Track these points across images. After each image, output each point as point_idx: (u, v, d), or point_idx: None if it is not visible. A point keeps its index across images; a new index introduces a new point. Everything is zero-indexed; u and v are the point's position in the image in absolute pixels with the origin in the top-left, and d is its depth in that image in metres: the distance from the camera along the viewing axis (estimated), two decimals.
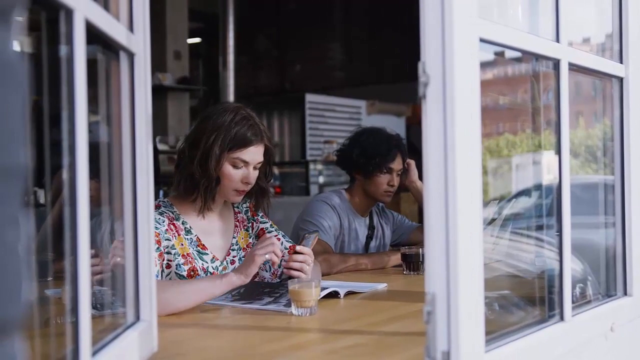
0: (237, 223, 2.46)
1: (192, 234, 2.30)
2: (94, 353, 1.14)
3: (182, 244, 2.26)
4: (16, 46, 0.59)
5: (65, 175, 1.05)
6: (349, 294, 2.26)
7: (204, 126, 2.27)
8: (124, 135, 1.40)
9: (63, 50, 1.06)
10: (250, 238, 2.48)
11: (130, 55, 1.40)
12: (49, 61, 1.07)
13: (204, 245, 2.32)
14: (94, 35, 1.16)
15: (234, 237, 2.43)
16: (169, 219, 2.25)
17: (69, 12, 1.03)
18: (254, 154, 2.29)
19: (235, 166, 2.27)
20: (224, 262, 2.36)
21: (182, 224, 2.30)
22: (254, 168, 2.31)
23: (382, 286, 2.43)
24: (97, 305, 1.42)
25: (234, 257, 2.40)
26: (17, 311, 0.59)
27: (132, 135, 1.41)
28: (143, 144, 1.42)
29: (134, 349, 1.35)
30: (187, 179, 2.28)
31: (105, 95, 1.39)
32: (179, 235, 2.27)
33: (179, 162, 2.32)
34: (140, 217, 1.43)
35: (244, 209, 2.51)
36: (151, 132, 1.46)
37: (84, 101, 1.06)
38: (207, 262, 2.30)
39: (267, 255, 2.05)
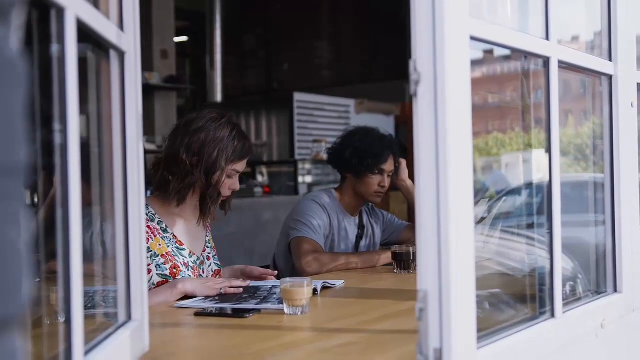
0: (207, 224, 2.58)
1: (168, 232, 2.38)
2: (86, 352, 1.13)
3: (159, 244, 2.33)
4: (15, 44, 0.59)
5: (56, 175, 1.05)
6: (324, 288, 2.33)
7: (201, 137, 2.34)
8: (114, 135, 1.39)
9: (54, 48, 1.05)
10: (213, 242, 2.62)
11: (121, 54, 1.39)
12: (39, 60, 1.06)
13: (180, 241, 2.41)
14: (84, 34, 1.15)
15: (207, 236, 2.56)
16: None
17: (60, 11, 1.03)
18: (245, 164, 2.46)
19: (229, 176, 2.40)
20: (201, 257, 2.47)
21: (158, 224, 2.38)
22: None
23: (339, 283, 2.47)
24: (87, 304, 1.41)
25: (208, 253, 2.53)
26: (19, 308, 0.59)
27: (123, 134, 1.40)
28: (134, 143, 1.42)
29: (125, 348, 1.34)
30: (188, 187, 2.36)
31: (95, 95, 1.38)
32: (155, 236, 2.34)
33: (174, 169, 2.35)
34: (131, 217, 1.42)
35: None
36: (142, 132, 1.45)
37: (76, 100, 1.06)
38: (186, 258, 2.39)
39: (222, 290, 2.20)
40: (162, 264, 2.31)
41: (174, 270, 2.32)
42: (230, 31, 9.42)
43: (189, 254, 2.41)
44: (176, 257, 2.35)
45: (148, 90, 7.55)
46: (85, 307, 1.15)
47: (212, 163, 2.34)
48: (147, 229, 2.29)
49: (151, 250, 2.29)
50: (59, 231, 1.05)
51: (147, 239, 2.28)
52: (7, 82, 0.56)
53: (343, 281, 2.48)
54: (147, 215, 2.33)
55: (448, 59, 1.20)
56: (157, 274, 2.29)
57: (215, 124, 2.37)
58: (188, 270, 2.36)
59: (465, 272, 1.25)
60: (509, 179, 2.17)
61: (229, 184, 2.41)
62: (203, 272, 2.45)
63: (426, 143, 1.22)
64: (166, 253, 2.33)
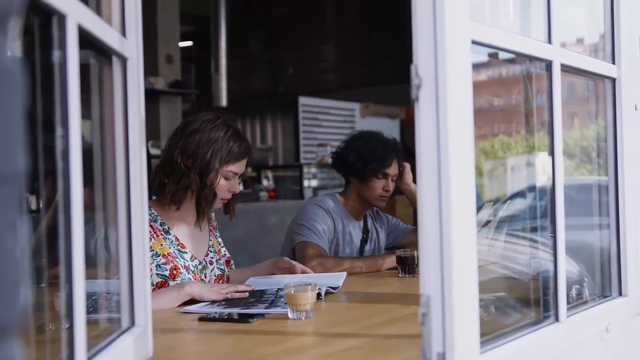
0: (211, 228, 2.59)
1: (170, 234, 2.39)
2: (89, 358, 1.13)
3: (161, 244, 2.34)
4: (13, 52, 0.59)
5: (59, 181, 1.05)
6: (328, 293, 2.33)
7: (196, 139, 2.35)
8: (117, 141, 1.40)
9: (55, 55, 1.05)
10: (219, 245, 2.61)
11: (123, 60, 1.40)
12: (41, 66, 1.07)
13: (182, 244, 2.41)
14: (86, 40, 1.16)
15: (210, 240, 2.55)
16: None
17: (62, 18, 1.03)
18: (244, 165, 2.45)
19: (226, 178, 2.40)
20: (203, 262, 2.47)
21: (160, 225, 2.38)
22: (239, 178, 2.46)
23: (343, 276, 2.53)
24: (90, 309, 1.41)
25: (211, 258, 2.53)
26: (16, 315, 0.59)
27: (125, 140, 1.41)
28: (136, 149, 1.42)
29: (129, 354, 1.35)
30: (183, 189, 2.36)
31: (98, 100, 1.39)
32: (157, 236, 2.35)
33: (170, 171, 2.36)
34: (134, 223, 1.42)
35: (213, 217, 2.64)
36: (144, 137, 1.46)
37: (77, 106, 1.06)
38: (187, 261, 2.40)
39: (228, 295, 2.20)
40: (163, 264, 2.31)
41: (174, 272, 2.32)
42: (235, 35, 9.42)
43: (191, 258, 2.41)
44: (177, 259, 2.35)
45: (153, 95, 7.55)
46: (88, 312, 1.15)
47: (206, 164, 2.34)
48: (149, 228, 2.29)
49: (152, 250, 2.30)
50: (61, 236, 1.05)
51: (149, 238, 2.28)
52: (4, 90, 0.56)
53: (345, 273, 2.56)
54: (149, 216, 2.34)
55: (449, 63, 1.20)
56: (156, 274, 2.29)
57: (210, 125, 2.37)
58: (188, 273, 2.36)
59: (467, 276, 1.24)
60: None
61: (228, 186, 2.40)
62: (205, 277, 2.45)
63: (428, 147, 1.22)
64: (167, 254, 2.33)
